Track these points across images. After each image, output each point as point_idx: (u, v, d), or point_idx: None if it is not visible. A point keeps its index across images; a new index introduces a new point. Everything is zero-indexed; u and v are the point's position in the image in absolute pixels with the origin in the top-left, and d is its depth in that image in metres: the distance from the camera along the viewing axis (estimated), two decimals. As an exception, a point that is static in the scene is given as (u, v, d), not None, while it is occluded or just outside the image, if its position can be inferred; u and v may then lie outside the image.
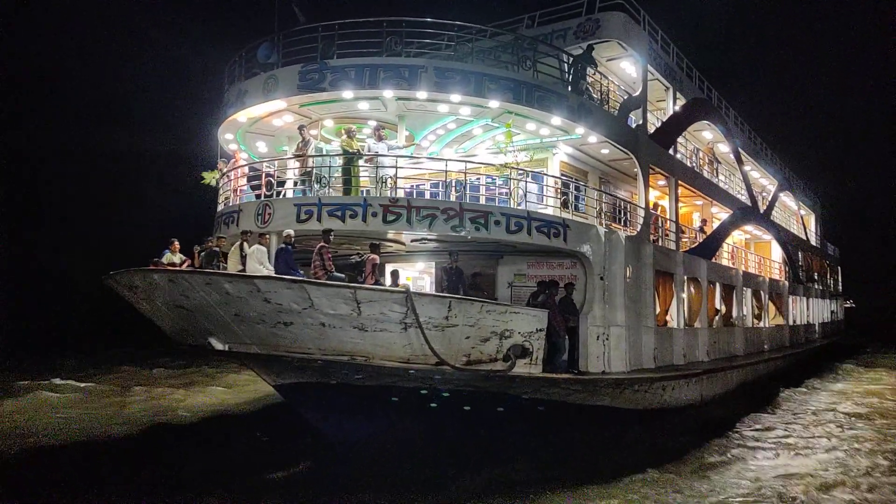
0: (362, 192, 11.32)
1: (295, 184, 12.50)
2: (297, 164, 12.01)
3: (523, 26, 15.64)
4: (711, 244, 18.46)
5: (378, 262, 10.65)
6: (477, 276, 12.43)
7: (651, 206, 15.33)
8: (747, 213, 21.85)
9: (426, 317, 8.98)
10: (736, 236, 22.92)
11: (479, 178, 13.56)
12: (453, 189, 12.15)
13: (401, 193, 11.74)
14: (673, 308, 15.42)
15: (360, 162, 11.41)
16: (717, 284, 18.31)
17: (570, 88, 12.58)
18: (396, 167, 11.33)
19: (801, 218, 32.11)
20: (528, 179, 12.36)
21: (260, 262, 9.77)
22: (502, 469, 9.66)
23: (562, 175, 13.87)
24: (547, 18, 15.30)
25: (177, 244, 11.35)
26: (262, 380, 11.25)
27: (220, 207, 13.13)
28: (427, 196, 13.25)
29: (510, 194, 12.07)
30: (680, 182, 16.71)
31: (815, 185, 36.86)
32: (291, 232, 10.33)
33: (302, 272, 10.00)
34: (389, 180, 11.21)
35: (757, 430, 13.40)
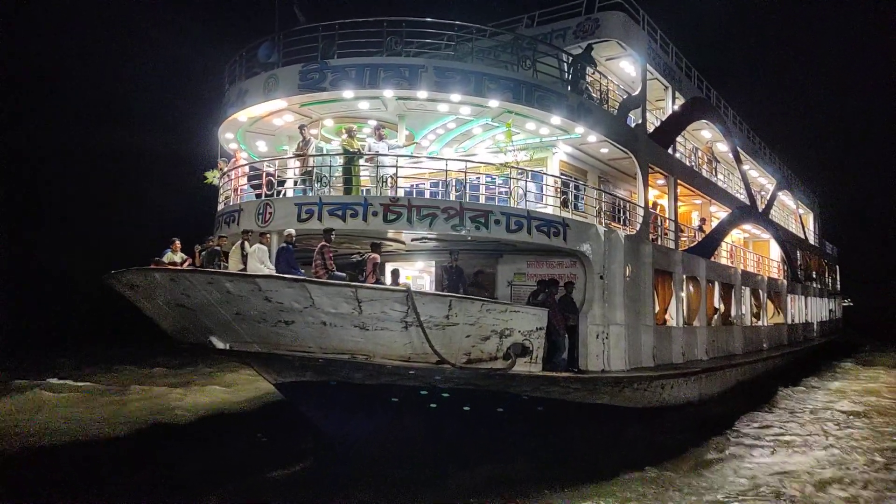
0: (363, 191, 11.36)
1: (295, 183, 12.53)
2: (298, 164, 12.04)
3: (522, 26, 15.67)
4: (710, 243, 18.52)
5: (379, 261, 10.69)
6: (479, 273, 12.48)
7: (650, 205, 15.37)
8: (746, 212, 21.90)
9: (427, 315, 9.02)
10: (734, 235, 22.98)
11: (478, 178, 13.60)
12: (453, 188, 12.19)
13: (401, 193, 11.79)
14: (672, 307, 15.48)
15: (361, 161, 11.45)
16: (716, 283, 18.37)
17: (569, 88, 12.62)
18: (397, 166, 11.38)
19: (800, 217, 32.20)
20: (528, 179, 12.41)
21: (261, 261, 9.80)
22: (502, 467, 9.69)
23: (561, 174, 13.91)
24: (546, 18, 15.34)
25: (178, 243, 11.39)
26: (260, 379, 11.28)
27: (220, 207, 13.17)
28: (427, 195, 13.30)
29: (510, 193, 12.11)
30: (679, 181, 16.76)
31: (814, 185, 36.97)
32: (293, 231, 10.36)
33: (303, 271, 10.04)
34: (390, 180, 11.25)
35: (755, 427, 13.46)
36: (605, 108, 13.88)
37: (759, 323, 22.09)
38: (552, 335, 10.79)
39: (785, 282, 25.65)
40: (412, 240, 12.09)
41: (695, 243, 17.76)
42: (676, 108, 17.03)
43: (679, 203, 17.58)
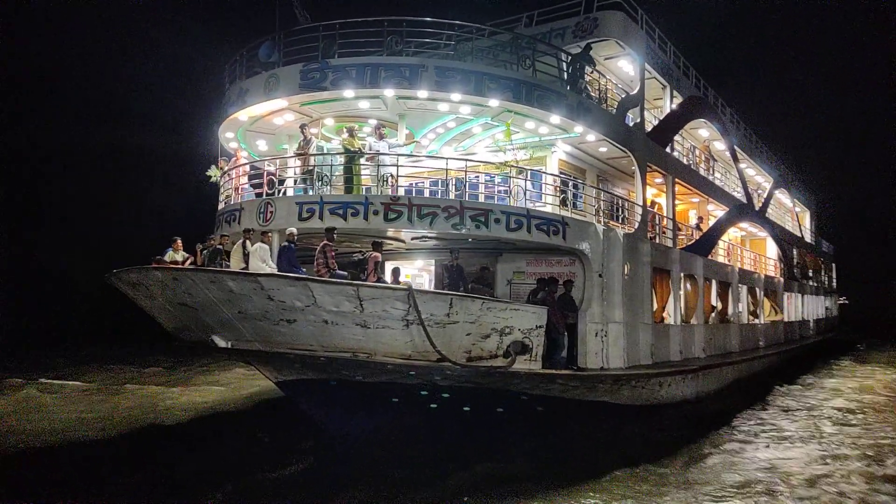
0: (364, 190, 11.43)
1: (295, 182, 12.59)
2: (299, 163, 12.10)
3: (522, 25, 15.74)
4: (707, 241, 18.62)
5: (380, 259, 10.76)
6: (485, 269, 12.56)
7: (648, 203, 15.46)
8: (743, 210, 22.02)
9: (428, 314, 9.08)
10: (732, 233, 23.09)
11: (478, 177, 13.67)
12: (453, 187, 12.26)
13: (401, 192, 11.85)
14: (670, 305, 15.59)
15: (362, 160, 11.52)
16: (713, 281, 18.48)
17: (568, 87, 12.70)
18: (398, 165, 11.44)
19: (797, 215, 32.34)
20: (527, 178, 12.49)
21: (263, 259, 9.87)
22: (500, 465, 9.73)
23: (560, 173, 13.99)
24: (545, 17, 15.41)
25: (179, 242, 11.45)
26: (257, 377, 11.27)
27: (220, 206, 13.22)
28: (427, 194, 13.36)
29: (509, 192, 12.19)
30: (677, 180, 16.86)
31: (813, 184, 37.20)
32: (294, 230, 10.43)
33: (304, 270, 10.11)
34: (390, 178, 11.31)
35: (751, 424, 13.54)
36: (604, 107, 13.96)
37: (756, 321, 22.21)
38: (552, 333, 10.88)
39: (781, 280, 25.78)
40: (412, 238, 12.15)
41: (692, 241, 17.87)
42: (674, 107, 17.13)
43: (677, 201, 17.68)
